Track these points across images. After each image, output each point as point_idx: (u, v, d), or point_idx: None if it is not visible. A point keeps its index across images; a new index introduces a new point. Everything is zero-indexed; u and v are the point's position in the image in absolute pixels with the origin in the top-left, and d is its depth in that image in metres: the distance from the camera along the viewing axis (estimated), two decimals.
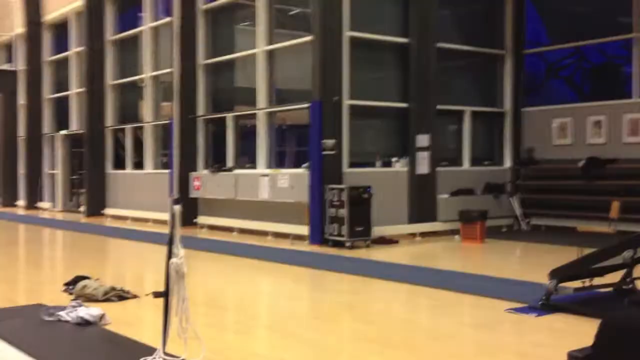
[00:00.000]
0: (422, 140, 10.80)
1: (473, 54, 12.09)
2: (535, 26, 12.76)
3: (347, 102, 10.28)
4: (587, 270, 5.62)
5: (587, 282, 5.56)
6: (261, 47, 11.62)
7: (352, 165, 10.35)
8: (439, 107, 11.16)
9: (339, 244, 9.59)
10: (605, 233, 8.42)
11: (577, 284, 5.56)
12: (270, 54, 11.59)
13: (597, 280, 5.62)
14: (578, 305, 5.34)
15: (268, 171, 11.19)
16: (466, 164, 11.82)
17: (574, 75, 13.05)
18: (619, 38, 11.10)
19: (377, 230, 9.99)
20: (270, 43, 11.56)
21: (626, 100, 10.61)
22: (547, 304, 5.41)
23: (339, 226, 9.62)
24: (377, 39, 10.83)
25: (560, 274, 5.58)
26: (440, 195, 11.03)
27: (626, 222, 9.21)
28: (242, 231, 11.47)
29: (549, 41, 12.57)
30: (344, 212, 9.54)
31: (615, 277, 5.64)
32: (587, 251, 6.01)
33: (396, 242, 10.15)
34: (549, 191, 11.19)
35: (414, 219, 10.80)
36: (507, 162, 12.20)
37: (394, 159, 10.90)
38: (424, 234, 10.74)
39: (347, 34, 10.31)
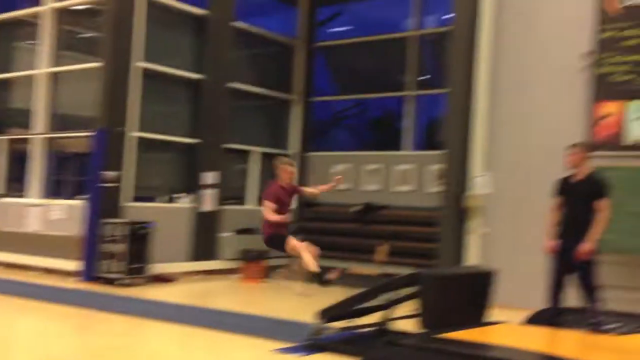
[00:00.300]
0: (209, 177, 10.77)
1: (265, 96, 12.42)
2: (325, 76, 13.49)
3: (133, 133, 9.95)
4: (352, 310, 5.91)
5: (351, 322, 5.84)
6: (43, 69, 10.90)
7: (137, 199, 9.99)
8: (227, 145, 11.26)
9: (112, 282, 9.11)
10: (375, 274, 8.98)
11: (343, 323, 5.82)
12: (54, 77, 10.90)
13: (361, 320, 5.93)
14: (342, 345, 5.56)
15: (40, 201, 10.38)
16: (252, 203, 11.98)
17: (357, 125, 13.96)
18: (394, 94, 12.10)
19: (156, 268, 9.67)
20: (55, 65, 10.89)
21: (398, 152, 11.55)
22: (313, 343, 5.57)
23: (114, 263, 9.15)
24: (169, 73, 10.68)
25: (328, 313, 5.80)
26: (223, 233, 11.02)
27: (393, 264, 9.92)
28: (8, 266, 10.47)
29: (336, 92, 13.36)
30: (120, 248, 9.11)
31: (378, 317, 5.99)
32: (356, 292, 6.32)
33: (174, 280, 9.89)
34: (327, 233, 11.70)
35: (195, 256, 10.64)
36: (291, 204, 12.55)
37: (179, 195, 10.71)
38: (205, 273, 10.61)
39: (138, 64, 10.04)
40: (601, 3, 8.28)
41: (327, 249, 11.71)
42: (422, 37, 11.72)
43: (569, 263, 6.17)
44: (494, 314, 5.89)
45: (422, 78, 11.81)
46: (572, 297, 6.38)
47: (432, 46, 11.92)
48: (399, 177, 11.26)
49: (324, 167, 12.18)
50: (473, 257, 8.90)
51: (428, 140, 12.06)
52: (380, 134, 13.54)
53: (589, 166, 6.44)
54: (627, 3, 8.12)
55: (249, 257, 10.55)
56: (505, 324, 5.76)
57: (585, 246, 6.05)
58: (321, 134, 13.57)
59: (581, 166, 6.34)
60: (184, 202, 10.68)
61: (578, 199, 6.24)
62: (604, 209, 6.13)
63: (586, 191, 6.22)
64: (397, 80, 11.93)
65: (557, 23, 8.65)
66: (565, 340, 5.52)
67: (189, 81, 10.98)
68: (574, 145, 6.52)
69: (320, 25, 13.08)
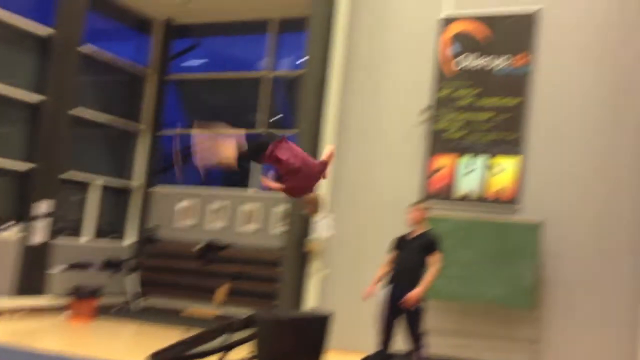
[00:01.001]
0: (42, 207, 10.08)
1: (111, 126, 11.94)
2: (177, 109, 13.24)
3: None
4: (186, 353, 5.72)
5: None
6: None
7: None
8: (66, 175, 10.64)
9: None
10: (213, 316, 8.79)
11: None
12: None
13: None
14: None
15: None
16: (88, 237, 11.36)
17: None
18: (245, 133, 12.09)
19: None
20: None
21: (244, 191, 11.53)
22: None
23: None
24: (3, 93, 9.96)
25: (161, 356, 5.57)
26: (54, 268, 10.31)
27: (234, 305, 9.78)
28: None
29: (187, 126, 13.11)
30: None
31: None
32: (192, 333, 6.13)
33: None
34: (167, 271, 11.34)
35: (20, 292, 9.84)
36: (131, 239, 12.10)
37: (6, 225, 9.90)
38: (30, 310, 9.82)
39: None
40: (439, 64, 8.90)
41: (166, 288, 11.40)
42: (275, 78, 11.91)
43: (398, 309, 6.40)
44: (330, 357, 5.95)
45: (273, 118, 11.96)
46: (400, 342, 6.62)
47: (285, 87, 12.16)
48: (245, 216, 11.23)
49: (168, 203, 11.87)
50: (312, 299, 9.00)
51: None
52: (229, 171, 13.44)
53: (426, 223, 6.79)
54: (462, 65, 8.79)
55: (80, 294, 9.93)
56: None
57: (415, 293, 6.33)
58: (169, 168, 13.24)
59: (421, 223, 6.68)
60: (10, 233, 9.89)
61: (412, 251, 6.55)
62: (436, 262, 6.48)
63: (420, 245, 6.55)
64: (249, 119, 11.98)
65: (400, 79, 9.14)
66: None
67: (27, 103, 10.30)
68: (416, 203, 6.87)
69: (174, 57, 12.89)
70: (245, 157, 4.90)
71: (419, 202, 7.01)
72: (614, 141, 7.95)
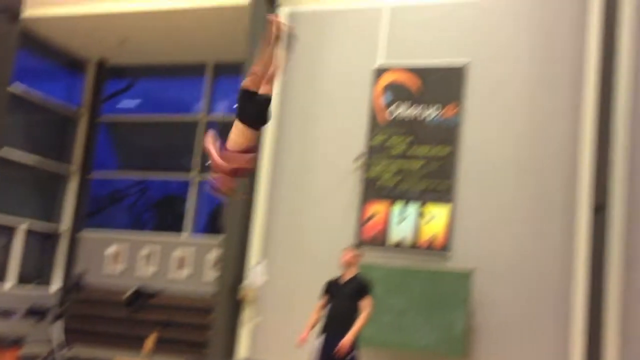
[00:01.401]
0: None
1: (38, 169, 11.57)
2: (108, 151, 12.96)
3: None
4: None
5: None
6: None
7: None
8: None
9: None
10: None
11: None
12: None
13: None
14: None
15: None
16: (10, 284, 10.86)
17: (137, 205, 13.48)
18: (178, 176, 11.94)
19: None
20: None
21: (177, 237, 11.29)
22: None
23: None
24: None
25: None
26: None
27: (159, 353, 9.46)
28: None
29: (118, 168, 12.85)
30: None
31: None
32: None
33: None
34: (94, 319, 10.92)
35: None
36: (56, 285, 11.63)
37: None
38: None
39: None
40: (373, 112, 9.04)
41: (93, 337, 10.96)
42: (210, 122, 11.84)
43: (331, 357, 6.34)
44: None
45: (208, 162, 11.82)
46: None
47: (220, 131, 12.07)
48: (177, 262, 10.98)
49: (97, 247, 11.51)
50: (244, 348, 8.82)
51: (212, 226, 12.00)
52: (162, 216, 13.19)
53: (357, 267, 6.80)
54: (395, 114, 8.95)
55: (2, 343, 9.43)
56: None
57: (347, 340, 6.29)
58: (98, 212, 12.89)
59: (353, 267, 6.68)
60: None
61: (344, 297, 6.54)
62: (367, 306, 6.48)
63: (351, 290, 6.55)
64: (182, 162, 11.83)
65: (335, 126, 9.24)
66: None
67: None
68: (351, 247, 6.90)
69: (108, 98, 12.68)
70: None
71: (353, 246, 7.04)
72: (541, 189, 8.20)
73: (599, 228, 7.57)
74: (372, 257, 8.38)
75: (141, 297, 10.52)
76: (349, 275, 6.69)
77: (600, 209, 7.58)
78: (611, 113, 7.85)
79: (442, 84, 8.79)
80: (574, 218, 7.88)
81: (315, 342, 6.56)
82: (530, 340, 7.89)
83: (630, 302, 7.54)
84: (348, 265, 6.71)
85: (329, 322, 6.54)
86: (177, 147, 12.28)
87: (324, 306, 6.67)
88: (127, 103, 12.97)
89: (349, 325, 6.40)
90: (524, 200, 8.27)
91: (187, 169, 11.72)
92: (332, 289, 6.67)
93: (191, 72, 12.05)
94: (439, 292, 8.08)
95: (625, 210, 7.70)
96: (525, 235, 8.17)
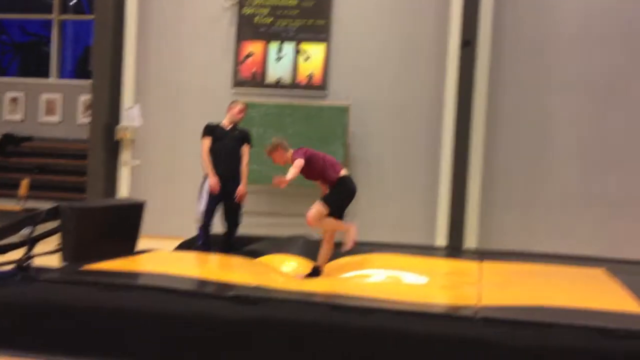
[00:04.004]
0: None
1: None
2: None
3: None
4: None
5: None
6: None
7: None
8: None
9: None
10: (14, 210, 8.31)
11: None
12: None
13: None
14: None
15: None
16: None
17: None
18: (38, 16, 11.07)
19: None
20: None
21: (44, 80, 10.66)
22: None
23: None
24: None
25: None
26: None
27: (35, 199, 9.26)
28: None
29: None
30: None
31: (17, 254, 5.55)
32: None
33: None
34: None
35: None
36: None
37: None
38: None
39: None
40: None
41: None
42: None
43: (224, 198, 6.52)
44: (146, 244, 5.94)
45: (71, 2, 11.01)
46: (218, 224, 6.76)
47: None
48: (45, 107, 10.45)
49: None
50: (124, 189, 8.82)
51: (82, 69, 11.41)
52: (25, 60, 12.34)
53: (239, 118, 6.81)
54: None
55: None
56: (153, 252, 5.85)
57: (242, 189, 6.51)
58: None
59: (238, 120, 6.71)
60: None
61: (230, 139, 6.62)
62: (247, 153, 6.66)
63: (237, 135, 6.65)
64: (42, 2, 10.90)
65: None
66: (211, 263, 5.85)
67: None
68: (237, 102, 6.82)
69: None
70: None
71: (240, 101, 6.94)
72: (415, 28, 8.41)
73: (467, 61, 7.98)
74: (251, 95, 8.40)
75: (10, 142, 10.07)
76: (231, 124, 6.73)
77: (467, 44, 7.95)
78: None
79: None
80: (445, 52, 8.20)
81: (206, 182, 6.62)
82: (402, 167, 8.47)
83: (492, 127, 8.17)
84: (234, 119, 6.72)
85: (220, 167, 6.61)
86: None
87: (210, 148, 6.69)
88: None
89: (237, 167, 6.58)
90: (398, 38, 8.47)
91: (48, 8, 10.85)
92: (216, 132, 6.68)
93: None
94: (318, 126, 8.32)
95: (491, 45, 8.11)
96: (399, 72, 8.46)
